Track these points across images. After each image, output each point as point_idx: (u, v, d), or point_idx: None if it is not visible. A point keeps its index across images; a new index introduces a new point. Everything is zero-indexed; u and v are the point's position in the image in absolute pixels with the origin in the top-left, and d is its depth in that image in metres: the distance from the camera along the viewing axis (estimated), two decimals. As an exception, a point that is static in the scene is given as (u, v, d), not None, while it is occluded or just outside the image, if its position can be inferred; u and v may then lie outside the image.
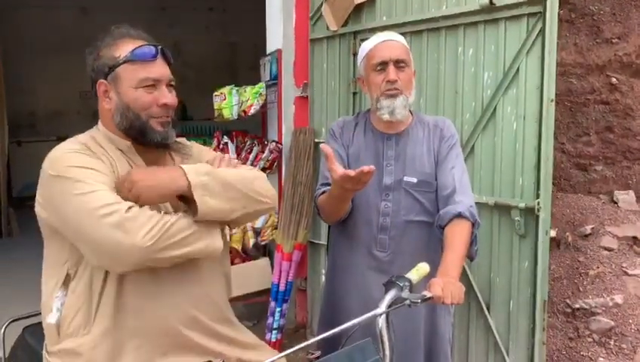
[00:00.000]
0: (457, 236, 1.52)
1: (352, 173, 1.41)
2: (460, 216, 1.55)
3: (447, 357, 1.73)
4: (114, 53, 1.24)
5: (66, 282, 1.21)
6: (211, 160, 1.36)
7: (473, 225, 1.57)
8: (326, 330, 1.17)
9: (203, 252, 1.18)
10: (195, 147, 1.45)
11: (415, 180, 1.66)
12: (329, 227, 1.90)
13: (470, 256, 1.59)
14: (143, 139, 1.25)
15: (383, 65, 1.63)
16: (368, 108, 1.82)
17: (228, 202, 1.20)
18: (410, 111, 1.76)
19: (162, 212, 1.16)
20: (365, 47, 1.71)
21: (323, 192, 1.70)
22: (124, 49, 1.24)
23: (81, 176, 1.13)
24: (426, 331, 1.70)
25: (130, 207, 1.10)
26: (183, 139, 1.44)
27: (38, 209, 1.22)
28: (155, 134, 1.25)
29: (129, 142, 1.26)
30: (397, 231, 1.66)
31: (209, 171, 1.20)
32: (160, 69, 1.25)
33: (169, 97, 1.25)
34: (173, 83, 1.29)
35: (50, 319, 1.22)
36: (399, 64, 1.64)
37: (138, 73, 1.23)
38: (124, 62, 1.23)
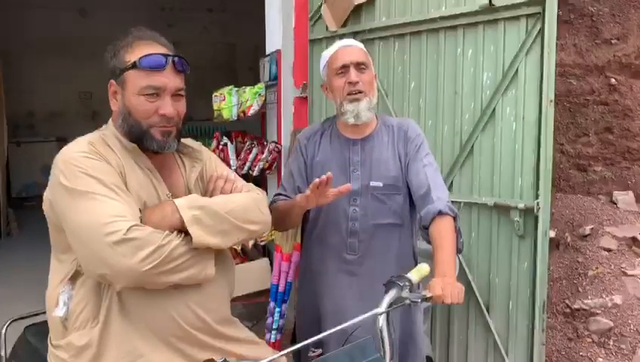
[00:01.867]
0: (444, 234, 1.53)
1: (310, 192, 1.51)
2: (440, 213, 1.56)
3: (421, 357, 1.76)
4: (126, 57, 1.24)
5: (74, 277, 1.22)
6: (214, 178, 1.38)
7: (454, 218, 1.58)
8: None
9: (195, 278, 1.21)
10: (205, 153, 1.45)
11: (381, 184, 1.68)
12: (302, 233, 1.90)
13: (457, 249, 1.60)
14: (141, 145, 1.26)
15: (344, 68, 1.66)
16: (335, 114, 1.83)
17: (221, 234, 1.22)
18: (375, 115, 1.77)
19: (165, 232, 1.16)
20: (325, 54, 1.75)
21: (276, 201, 1.74)
22: (136, 54, 1.23)
23: (89, 187, 1.14)
24: (400, 333, 1.72)
25: (132, 226, 1.11)
26: (193, 142, 1.44)
27: (46, 208, 1.23)
28: (153, 142, 1.25)
29: (134, 144, 1.27)
30: (366, 235, 1.69)
31: (202, 205, 1.22)
32: (165, 79, 1.24)
33: (169, 108, 1.24)
34: (181, 93, 1.28)
35: (57, 312, 1.23)
36: (360, 66, 1.67)
37: (142, 81, 1.22)
38: (132, 67, 1.22)
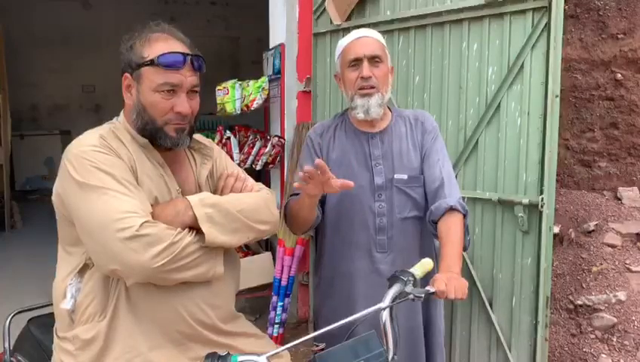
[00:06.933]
0: (453, 230, 1.52)
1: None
2: (451, 209, 1.55)
3: (441, 347, 1.76)
4: (144, 52, 1.23)
5: (83, 270, 1.22)
6: (225, 176, 1.38)
7: (464, 216, 1.57)
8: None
9: (205, 276, 1.21)
10: (215, 150, 1.45)
11: (406, 177, 1.65)
12: (316, 234, 1.84)
13: (463, 247, 1.59)
14: (154, 141, 1.26)
15: (357, 61, 1.61)
16: (346, 108, 1.79)
17: (232, 233, 1.23)
18: (388, 107, 1.73)
19: (177, 229, 1.16)
20: (341, 44, 1.69)
21: (289, 202, 1.69)
22: (155, 50, 1.22)
23: (100, 182, 1.14)
24: (423, 325, 1.72)
25: (144, 223, 1.11)
26: (204, 139, 1.44)
27: (56, 200, 1.23)
28: (167, 139, 1.25)
29: (146, 139, 1.26)
30: (394, 231, 1.66)
31: (215, 202, 1.22)
32: (182, 77, 1.23)
33: (185, 106, 1.24)
34: (196, 89, 1.28)
35: (64, 305, 1.23)
36: (374, 60, 1.62)
37: (159, 77, 1.22)
38: (150, 64, 1.21)
